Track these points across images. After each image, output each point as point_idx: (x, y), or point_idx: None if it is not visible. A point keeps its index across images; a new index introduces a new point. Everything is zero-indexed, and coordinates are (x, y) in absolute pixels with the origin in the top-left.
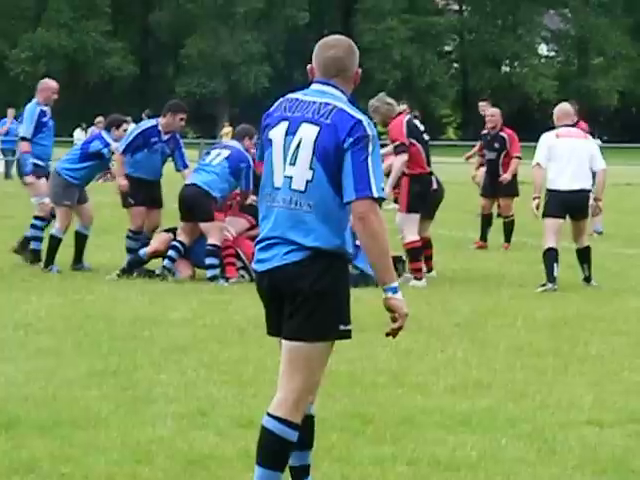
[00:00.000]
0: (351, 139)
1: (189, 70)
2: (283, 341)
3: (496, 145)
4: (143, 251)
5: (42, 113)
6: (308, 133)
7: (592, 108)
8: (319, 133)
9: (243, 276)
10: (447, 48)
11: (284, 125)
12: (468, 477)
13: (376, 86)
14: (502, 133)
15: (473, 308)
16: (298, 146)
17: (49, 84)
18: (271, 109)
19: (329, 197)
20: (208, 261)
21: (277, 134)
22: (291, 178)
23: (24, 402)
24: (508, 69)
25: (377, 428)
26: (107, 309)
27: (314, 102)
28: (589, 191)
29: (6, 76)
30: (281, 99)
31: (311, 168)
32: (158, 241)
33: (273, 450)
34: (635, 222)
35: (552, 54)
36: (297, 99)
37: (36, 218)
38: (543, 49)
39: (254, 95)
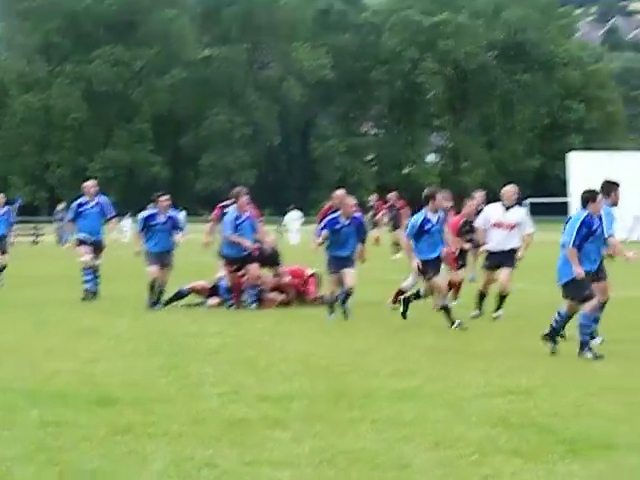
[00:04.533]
0: None
1: (204, 174)
2: None
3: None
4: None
5: (79, 205)
6: None
7: (461, 196)
8: None
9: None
10: (369, 157)
11: None
12: (407, 431)
13: (324, 182)
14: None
15: (405, 324)
16: None
17: (86, 184)
18: None
19: None
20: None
21: None
22: None
23: (120, 385)
24: (408, 170)
25: (349, 400)
26: (165, 326)
27: None
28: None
29: (86, 180)
30: None
31: None
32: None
33: None
34: None
35: (436, 160)
36: None
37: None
38: (431, 157)
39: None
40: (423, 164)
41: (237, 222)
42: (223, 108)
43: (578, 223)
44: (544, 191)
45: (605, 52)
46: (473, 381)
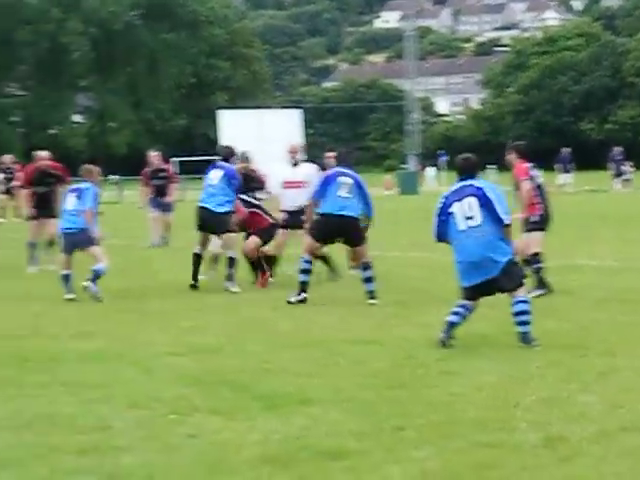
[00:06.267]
0: None
1: None
2: None
3: None
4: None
5: None
6: None
7: (109, 155)
8: None
9: None
10: (14, 119)
11: None
12: (99, 392)
13: None
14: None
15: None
16: None
17: None
18: None
19: None
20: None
21: None
22: None
23: None
24: (54, 131)
25: (35, 363)
26: None
27: None
28: None
29: None
30: None
31: None
32: None
33: None
34: None
35: (83, 121)
36: None
37: None
38: (77, 118)
39: None
40: (70, 125)
41: None
42: None
43: None
44: (191, 150)
45: (248, 10)
46: (157, 340)
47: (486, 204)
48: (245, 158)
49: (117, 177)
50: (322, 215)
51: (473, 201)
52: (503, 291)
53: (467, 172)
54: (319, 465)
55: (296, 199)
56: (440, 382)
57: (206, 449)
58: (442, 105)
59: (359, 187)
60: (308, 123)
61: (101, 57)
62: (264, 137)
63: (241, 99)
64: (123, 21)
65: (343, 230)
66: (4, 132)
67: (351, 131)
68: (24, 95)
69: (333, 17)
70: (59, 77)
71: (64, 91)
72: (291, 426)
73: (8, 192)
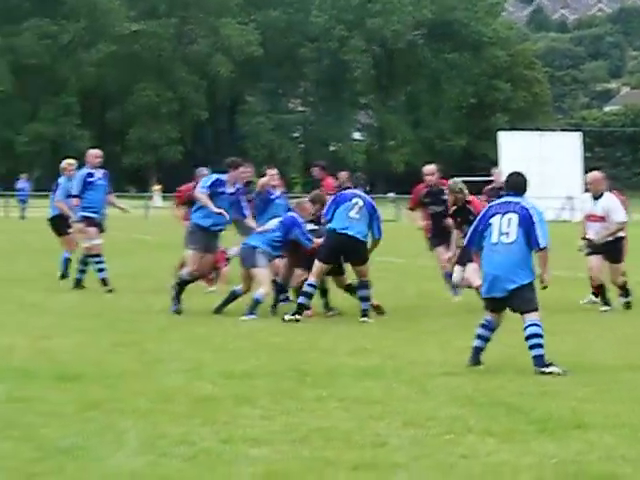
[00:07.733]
0: None
1: (131, 149)
2: None
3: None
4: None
5: (89, 175)
6: None
7: (387, 173)
8: None
9: None
10: (295, 134)
11: None
12: (375, 409)
13: (251, 159)
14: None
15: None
16: None
17: (91, 153)
18: None
19: None
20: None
21: None
22: None
23: (80, 362)
24: (334, 148)
25: (313, 377)
26: (112, 303)
27: None
28: None
29: (13, 154)
30: None
31: None
32: None
33: None
34: None
35: (362, 138)
36: None
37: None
38: (356, 135)
39: (172, 165)
40: (349, 142)
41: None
42: (150, 83)
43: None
44: (470, 170)
45: (531, 32)
46: (433, 359)
47: (525, 225)
48: (459, 189)
49: (393, 195)
50: (328, 232)
51: (514, 218)
52: (514, 310)
53: (515, 189)
54: None
55: (599, 232)
56: None
57: (480, 471)
58: None
59: (372, 210)
60: (587, 147)
61: (382, 75)
62: (543, 159)
63: (521, 121)
64: (406, 40)
65: (347, 249)
66: (286, 147)
67: (631, 155)
68: (305, 111)
69: (616, 40)
70: (340, 94)
71: (344, 108)
72: (566, 450)
73: None
